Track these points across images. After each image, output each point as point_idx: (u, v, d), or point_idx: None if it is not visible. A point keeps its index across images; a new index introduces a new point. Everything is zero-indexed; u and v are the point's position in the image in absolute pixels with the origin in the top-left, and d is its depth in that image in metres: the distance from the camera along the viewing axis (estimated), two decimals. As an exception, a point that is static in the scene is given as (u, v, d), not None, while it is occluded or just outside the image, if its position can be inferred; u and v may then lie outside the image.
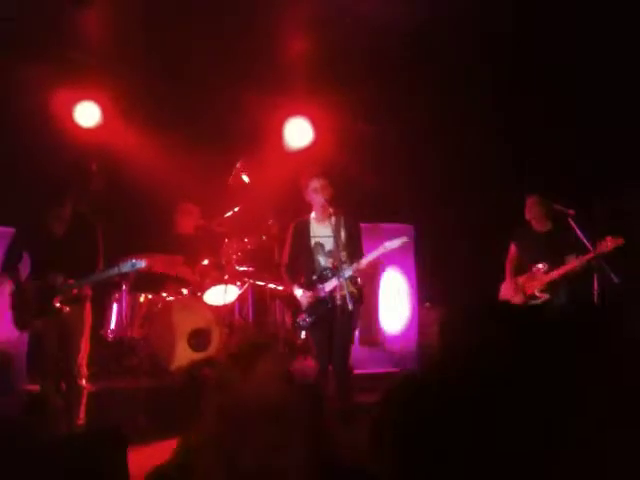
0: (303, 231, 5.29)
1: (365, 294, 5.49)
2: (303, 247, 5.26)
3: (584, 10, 5.71)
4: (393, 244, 5.06)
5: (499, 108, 7.05)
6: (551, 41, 6.16)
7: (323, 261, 5.18)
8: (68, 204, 5.00)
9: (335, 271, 5.06)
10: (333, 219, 5.20)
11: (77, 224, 5.06)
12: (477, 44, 6.30)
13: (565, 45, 6.18)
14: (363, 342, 7.07)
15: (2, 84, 6.45)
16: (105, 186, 6.29)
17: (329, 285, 5.06)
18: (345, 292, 4.91)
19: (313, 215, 5.31)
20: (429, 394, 1.23)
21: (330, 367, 5.15)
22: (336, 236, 5.13)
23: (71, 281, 4.87)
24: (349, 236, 5.19)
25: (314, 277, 5.16)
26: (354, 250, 5.16)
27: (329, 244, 5.17)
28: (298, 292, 5.16)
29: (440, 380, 1.26)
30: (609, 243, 5.58)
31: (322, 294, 5.07)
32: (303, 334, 5.13)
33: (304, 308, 5.13)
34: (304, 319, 5.12)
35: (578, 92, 6.65)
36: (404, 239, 5.11)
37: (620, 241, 5.57)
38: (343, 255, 5.09)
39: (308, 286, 5.16)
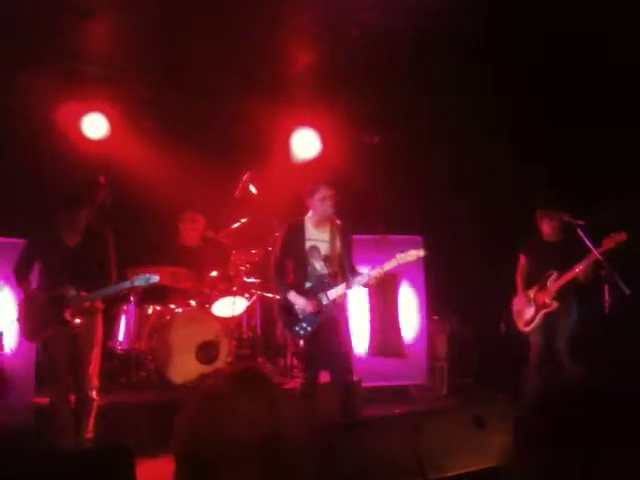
0: (298, 233, 5.17)
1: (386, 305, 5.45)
2: (297, 249, 5.14)
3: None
4: (408, 257, 4.95)
5: (508, 115, 7.02)
6: (554, 42, 6.13)
7: (318, 266, 5.08)
8: (82, 216, 5.00)
9: (335, 279, 5.02)
10: (330, 225, 5.14)
11: (89, 236, 5.06)
12: (483, 48, 6.28)
13: (566, 44, 6.15)
14: (386, 353, 7.07)
15: (10, 96, 6.47)
16: (112, 198, 6.28)
17: (332, 294, 4.98)
18: (345, 300, 4.91)
19: (310, 217, 5.20)
20: None
21: (330, 380, 5.11)
22: (333, 242, 5.09)
23: (83, 294, 4.86)
24: (344, 246, 5.12)
25: (308, 284, 5.05)
26: (348, 260, 5.08)
27: (325, 249, 5.10)
28: (299, 301, 5.02)
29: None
30: (612, 239, 5.57)
31: (325, 302, 4.99)
32: (302, 342, 5.06)
33: (302, 316, 5.01)
34: (304, 328, 5.00)
35: (580, 93, 6.61)
36: (420, 252, 5.00)
37: (622, 236, 5.55)
38: (336, 263, 5.05)
39: (305, 293, 5.04)
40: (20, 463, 2.25)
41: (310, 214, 5.20)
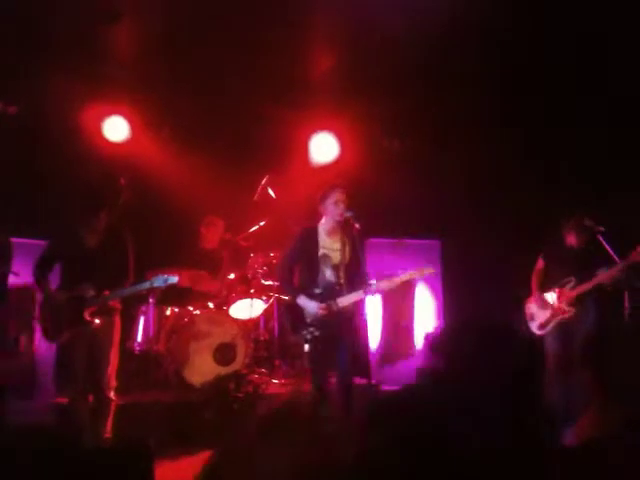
0: (311, 239, 5.14)
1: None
2: (309, 255, 5.10)
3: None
4: (420, 273, 5.04)
5: (526, 119, 6.99)
6: (575, 44, 6.11)
7: (328, 274, 5.07)
8: (102, 217, 5.05)
9: (344, 287, 5.01)
10: (342, 234, 5.12)
11: (110, 237, 5.09)
12: (502, 54, 6.27)
13: (588, 46, 6.12)
14: (394, 356, 7.07)
15: (33, 99, 6.55)
16: (132, 200, 6.34)
17: (341, 301, 4.96)
18: (357, 307, 4.93)
19: (323, 224, 5.17)
20: None
21: (334, 381, 5.07)
22: (343, 251, 5.08)
23: (103, 294, 4.91)
24: (356, 253, 5.04)
25: (317, 290, 5.03)
26: (357, 269, 5.04)
27: (336, 258, 5.08)
28: (310, 304, 4.98)
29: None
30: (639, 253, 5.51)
31: (334, 309, 4.97)
32: (307, 347, 5.04)
33: (310, 320, 4.97)
34: (311, 332, 4.95)
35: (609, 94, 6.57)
36: (430, 270, 5.08)
37: None
38: (346, 272, 5.04)
39: (314, 298, 5.00)
40: (39, 461, 2.28)
41: (323, 221, 5.16)
